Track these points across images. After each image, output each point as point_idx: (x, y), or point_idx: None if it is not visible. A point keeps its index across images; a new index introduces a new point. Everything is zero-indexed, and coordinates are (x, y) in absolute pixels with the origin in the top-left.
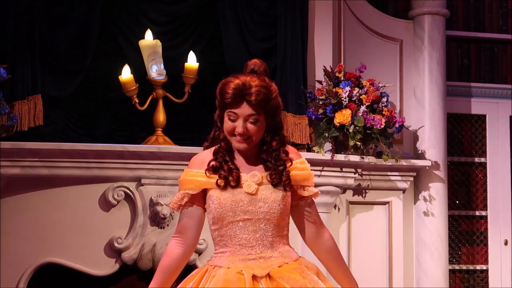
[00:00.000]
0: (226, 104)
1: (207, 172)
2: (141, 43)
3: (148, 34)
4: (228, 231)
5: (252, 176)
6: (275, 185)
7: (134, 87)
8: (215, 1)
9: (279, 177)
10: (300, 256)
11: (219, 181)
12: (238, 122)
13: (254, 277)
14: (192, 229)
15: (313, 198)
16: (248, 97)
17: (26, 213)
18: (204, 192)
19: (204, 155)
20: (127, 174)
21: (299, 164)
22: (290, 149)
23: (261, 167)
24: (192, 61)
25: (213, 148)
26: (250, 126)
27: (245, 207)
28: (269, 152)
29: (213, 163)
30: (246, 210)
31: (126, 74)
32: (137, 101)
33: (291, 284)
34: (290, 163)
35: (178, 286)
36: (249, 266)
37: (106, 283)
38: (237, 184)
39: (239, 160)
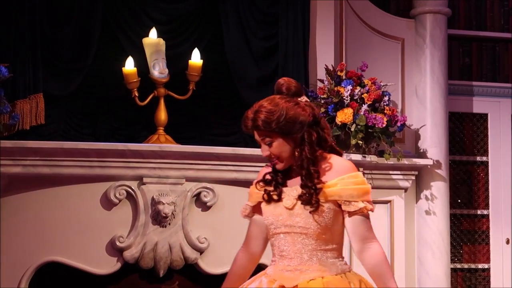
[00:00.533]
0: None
1: (257, 185)
2: (145, 41)
3: (152, 32)
4: (274, 241)
5: (293, 191)
6: (305, 205)
7: (135, 80)
8: (217, 0)
9: (309, 199)
10: (348, 271)
11: (264, 195)
12: (262, 147)
13: (282, 287)
14: (255, 238)
15: (365, 211)
16: (251, 125)
17: (28, 212)
18: None
19: (267, 169)
20: (129, 173)
21: (346, 179)
22: (339, 162)
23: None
24: (196, 58)
25: None
26: (270, 148)
27: (284, 220)
28: (301, 170)
29: (267, 176)
30: (285, 224)
31: (129, 65)
32: (137, 94)
33: None
34: (325, 181)
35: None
36: (284, 277)
37: (107, 282)
38: (279, 198)
39: (292, 175)
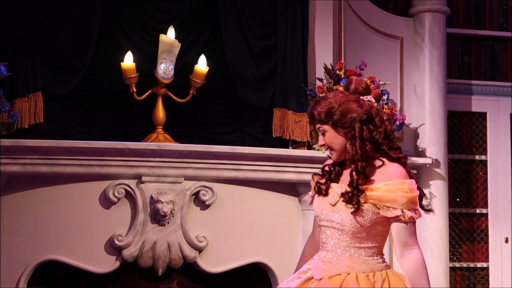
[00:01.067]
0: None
1: (314, 176)
2: (161, 37)
3: (170, 32)
4: (320, 232)
5: (339, 188)
6: (346, 203)
7: (134, 75)
8: None
9: (351, 198)
10: (380, 270)
11: (315, 187)
12: (319, 136)
13: (311, 278)
14: (317, 226)
15: (404, 219)
16: (309, 114)
17: (27, 210)
18: None
19: (329, 161)
20: (128, 172)
21: (391, 185)
22: (389, 168)
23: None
24: (202, 65)
25: None
26: (323, 137)
27: (326, 215)
28: (351, 164)
29: (326, 168)
30: (327, 218)
31: (128, 60)
32: (135, 90)
33: None
34: (382, 181)
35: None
36: (318, 267)
37: (106, 280)
38: (326, 193)
39: (345, 172)
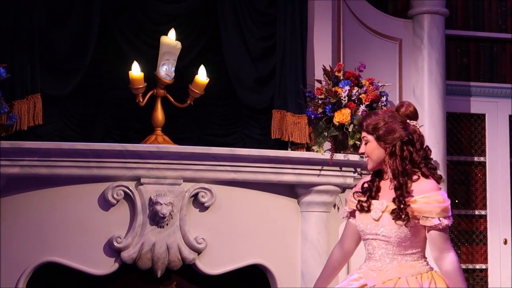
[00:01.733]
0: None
1: (354, 194)
2: (162, 38)
3: (171, 33)
4: (364, 243)
5: (380, 204)
6: (395, 220)
7: (142, 85)
8: (214, 1)
9: (400, 214)
10: (425, 272)
11: (357, 205)
12: (362, 144)
13: (365, 285)
14: (348, 238)
15: (441, 227)
16: (359, 123)
17: (25, 212)
18: None
19: (366, 179)
20: (127, 174)
21: (428, 197)
22: (423, 182)
23: (391, 196)
24: (202, 76)
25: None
26: (365, 146)
27: (371, 229)
28: (393, 180)
29: (365, 185)
30: (372, 232)
31: (136, 71)
32: (141, 100)
33: None
34: (416, 197)
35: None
36: (369, 275)
37: (105, 282)
38: (368, 209)
39: (385, 185)
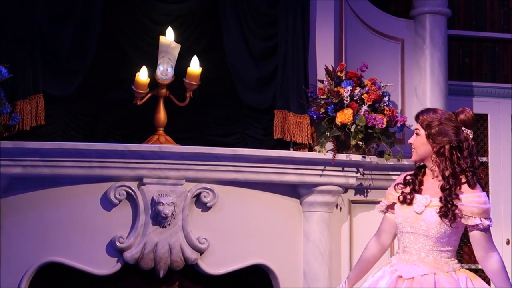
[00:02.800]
0: None
1: (396, 186)
2: (160, 38)
3: (168, 32)
4: (400, 237)
5: (424, 199)
6: (442, 217)
7: (144, 91)
8: (216, 1)
9: (447, 212)
10: (458, 269)
11: (399, 197)
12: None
13: (400, 277)
14: (386, 232)
15: (482, 227)
16: (417, 114)
17: (28, 212)
18: None
19: (407, 173)
20: (129, 174)
21: (470, 197)
22: (466, 184)
23: (436, 192)
24: (194, 67)
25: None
26: (414, 138)
27: (411, 222)
28: (442, 179)
29: (408, 178)
30: (411, 225)
31: (143, 76)
32: (138, 103)
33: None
34: (459, 196)
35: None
36: (404, 268)
37: (107, 282)
38: (411, 202)
39: (428, 181)
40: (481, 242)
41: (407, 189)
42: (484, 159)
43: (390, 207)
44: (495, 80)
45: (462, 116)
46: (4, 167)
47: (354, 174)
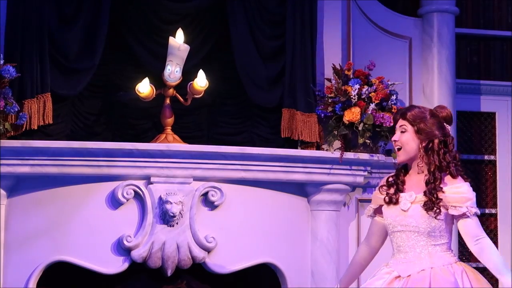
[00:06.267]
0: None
1: (380, 189)
2: (169, 39)
3: (178, 35)
4: (392, 238)
5: (409, 196)
6: (427, 211)
7: (152, 96)
8: (224, 0)
9: (432, 206)
10: (454, 262)
11: (385, 198)
12: (396, 133)
13: (398, 277)
14: (375, 235)
15: (469, 215)
16: (401, 112)
17: (35, 211)
18: None
19: (389, 175)
20: (137, 173)
21: (454, 188)
22: (448, 176)
23: (420, 187)
24: (201, 82)
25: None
26: (400, 135)
27: (400, 221)
28: (428, 174)
29: (390, 179)
30: (401, 224)
31: (144, 88)
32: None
33: (422, 284)
34: (443, 189)
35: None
36: (400, 268)
37: (115, 281)
38: (397, 201)
39: (411, 179)
40: (469, 229)
41: (392, 190)
42: (492, 157)
43: (377, 210)
44: (503, 78)
45: (443, 114)
46: (12, 166)
47: (361, 173)
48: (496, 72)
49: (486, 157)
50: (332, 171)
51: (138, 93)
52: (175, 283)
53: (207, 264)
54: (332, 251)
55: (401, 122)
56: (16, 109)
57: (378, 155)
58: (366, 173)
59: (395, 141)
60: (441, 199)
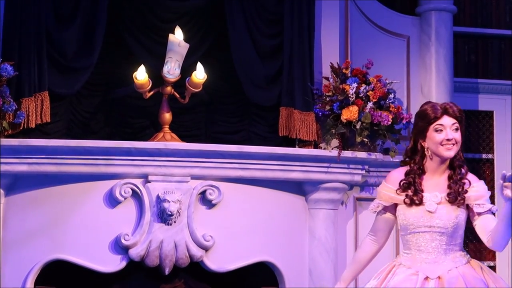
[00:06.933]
0: (430, 120)
1: (398, 190)
2: (169, 36)
3: (177, 32)
4: (411, 238)
5: (434, 197)
6: (451, 203)
7: (147, 88)
8: None
9: (455, 197)
10: (471, 259)
11: (406, 200)
12: (445, 131)
13: (426, 278)
14: (382, 231)
15: (493, 210)
16: (456, 110)
17: (33, 210)
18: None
19: (398, 174)
20: (134, 171)
21: (475, 186)
22: (469, 174)
23: (444, 187)
24: (199, 74)
25: (406, 168)
26: (455, 133)
27: (425, 222)
28: (456, 174)
29: (403, 182)
30: (426, 224)
31: (141, 75)
32: (148, 95)
33: (458, 284)
34: (468, 185)
35: (374, 276)
36: (425, 268)
37: (113, 280)
38: (420, 202)
39: (428, 180)
40: (491, 224)
41: (410, 191)
42: (490, 156)
43: (388, 208)
44: (501, 76)
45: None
46: (10, 164)
47: (359, 171)
48: (494, 70)
49: (484, 155)
50: (330, 169)
51: (135, 79)
52: (172, 282)
53: (205, 262)
54: (330, 249)
55: (452, 119)
56: (14, 108)
57: (375, 153)
58: (364, 172)
59: (449, 139)
60: (466, 191)
